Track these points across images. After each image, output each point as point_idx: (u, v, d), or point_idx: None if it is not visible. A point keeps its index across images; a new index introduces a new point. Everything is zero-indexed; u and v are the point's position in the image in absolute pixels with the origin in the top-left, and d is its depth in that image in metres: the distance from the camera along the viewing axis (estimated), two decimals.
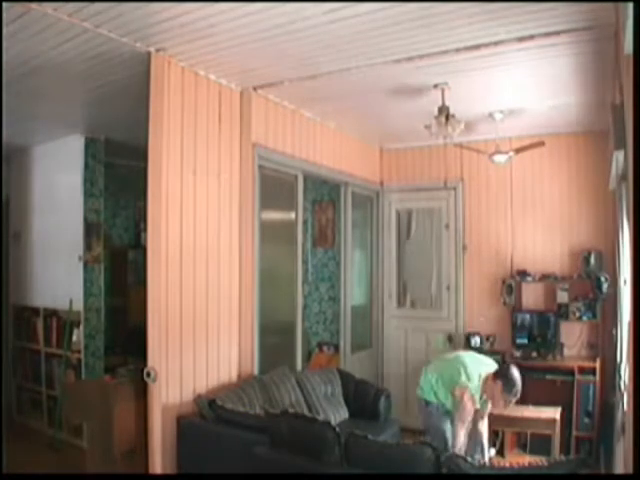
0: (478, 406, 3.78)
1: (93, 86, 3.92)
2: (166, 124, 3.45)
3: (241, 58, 3.54)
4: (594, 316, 5.02)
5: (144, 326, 3.43)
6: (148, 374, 3.34)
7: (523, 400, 5.03)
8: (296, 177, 4.79)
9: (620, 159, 2.75)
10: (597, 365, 4.82)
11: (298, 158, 4.74)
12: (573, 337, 5.20)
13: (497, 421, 4.38)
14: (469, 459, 2.56)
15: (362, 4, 2.76)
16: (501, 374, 3.65)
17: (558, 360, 5.05)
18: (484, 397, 3.74)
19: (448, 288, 5.89)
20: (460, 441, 3.67)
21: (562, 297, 5.17)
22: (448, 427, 3.80)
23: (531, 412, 4.55)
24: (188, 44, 3.27)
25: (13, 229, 6.11)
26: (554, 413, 4.48)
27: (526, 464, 2.93)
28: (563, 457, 3.64)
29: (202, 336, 3.74)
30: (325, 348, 6.46)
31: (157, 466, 3.37)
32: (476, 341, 5.54)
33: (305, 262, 6.12)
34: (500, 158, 4.84)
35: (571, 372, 4.84)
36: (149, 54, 3.35)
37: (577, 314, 5.08)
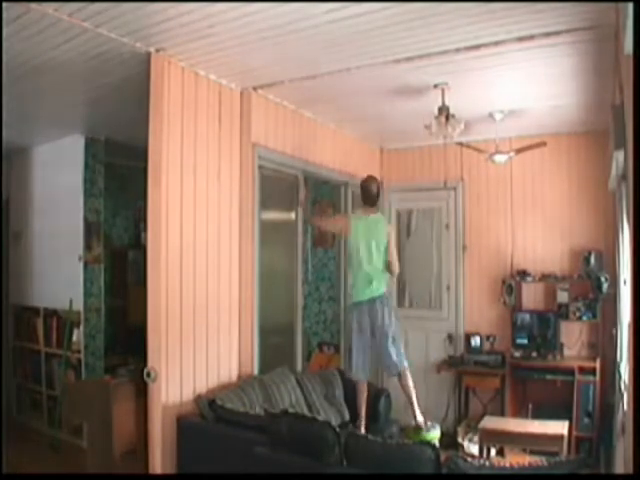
0: None
1: (93, 86, 3.92)
2: (166, 124, 3.45)
3: (241, 58, 3.54)
4: (594, 316, 5.01)
5: (144, 326, 3.43)
6: (148, 374, 3.34)
7: (524, 400, 5.08)
8: (296, 177, 4.80)
9: (620, 159, 2.75)
10: (597, 365, 4.82)
11: (298, 158, 4.73)
12: (573, 337, 5.19)
13: (498, 437, 4.19)
14: (469, 459, 2.56)
15: (362, 4, 2.76)
16: None
17: (558, 360, 5.04)
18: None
19: (448, 288, 5.89)
20: None
21: (562, 297, 5.16)
22: None
23: (535, 427, 4.25)
24: (188, 44, 3.27)
25: (13, 229, 6.10)
26: (561, 428, 4.07)
27: (526, 464, 2.93)
28: (563, 457, 3.64)
29: (202, 336, 3.74)
30: (325, 348, 6.45)
31: (157, 466, 3.37)
32: (476, 341, 5.54)
33: (305, 262, 6.11)
34: (500, 158, 4.83)
35: (571, 372, 4.83)
36: (149, 54, 3.35)
37: (577, 314, 5.07)
